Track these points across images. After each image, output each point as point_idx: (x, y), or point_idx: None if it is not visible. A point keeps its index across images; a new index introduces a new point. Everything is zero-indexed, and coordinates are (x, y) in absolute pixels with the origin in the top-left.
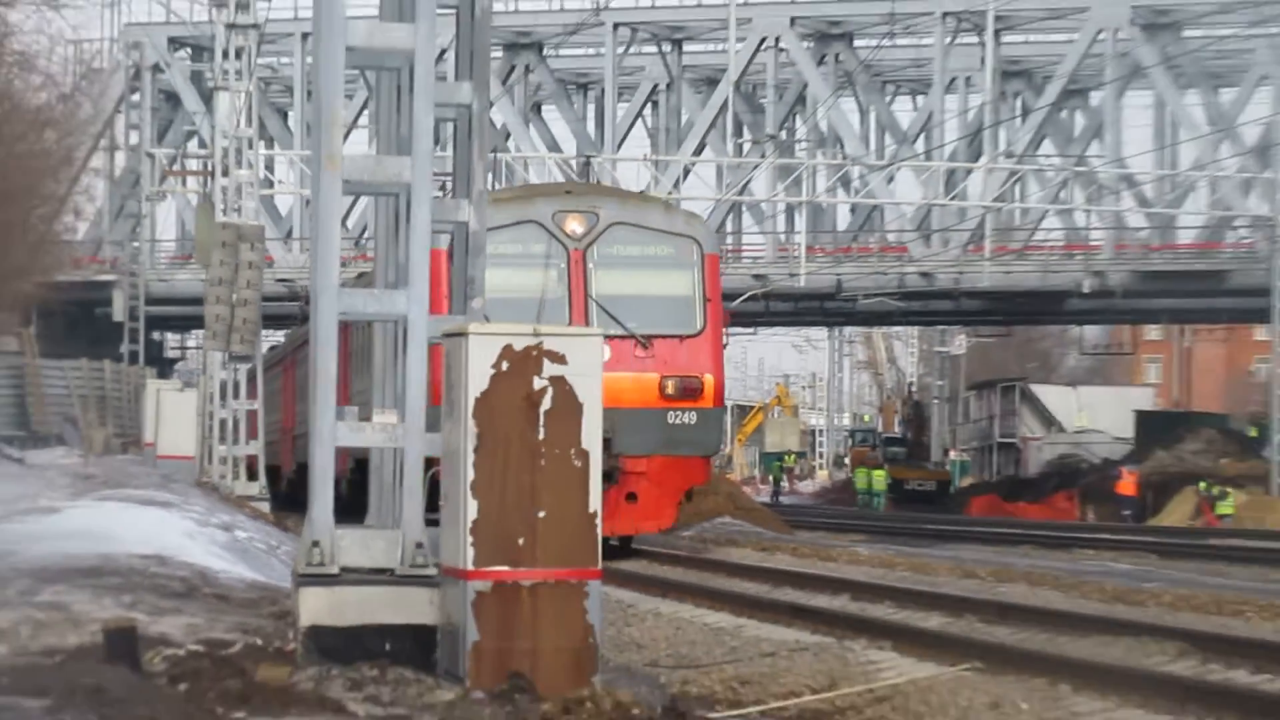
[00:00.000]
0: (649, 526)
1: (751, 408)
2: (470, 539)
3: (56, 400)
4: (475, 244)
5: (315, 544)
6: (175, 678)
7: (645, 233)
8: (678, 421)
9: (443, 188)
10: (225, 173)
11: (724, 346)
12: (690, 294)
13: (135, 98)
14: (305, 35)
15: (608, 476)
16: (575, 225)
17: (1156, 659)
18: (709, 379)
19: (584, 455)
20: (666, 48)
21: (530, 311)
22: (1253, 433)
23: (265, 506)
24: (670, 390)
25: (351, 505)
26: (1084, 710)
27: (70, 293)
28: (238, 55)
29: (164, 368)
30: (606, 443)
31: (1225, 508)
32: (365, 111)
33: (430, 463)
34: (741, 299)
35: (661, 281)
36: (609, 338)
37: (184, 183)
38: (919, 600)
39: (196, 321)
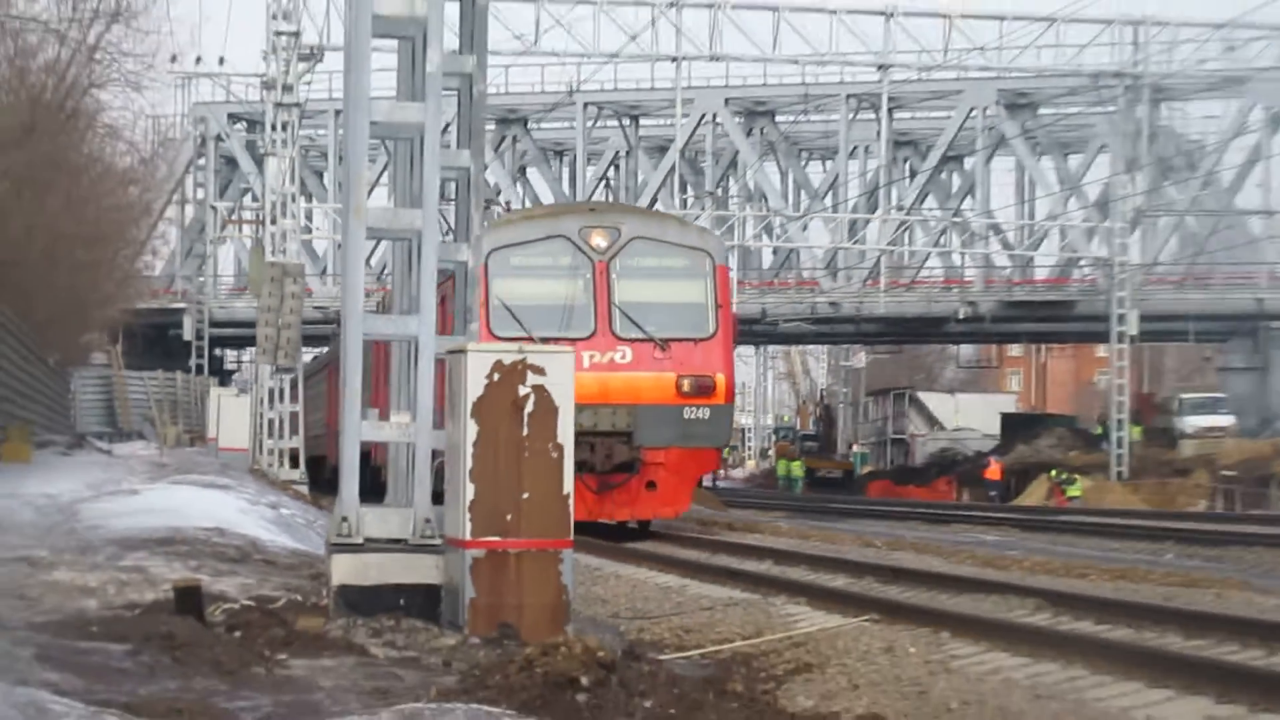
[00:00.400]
0: (667, 512)
1: None
2: (468, 515)
3: (137, 403)
4: (471, 279)
5: (344, 519)
6: (232, 626)
7: (662, 246)
8: (693, 416)
9: (447, 233)
10: (273, 221)
11: (733, 348)
12: (703, 301)
13: (201, 161)
14: (338, 112)
15: (629, 467)
16: (599, 239)
17: (1018, 612)
18: (720, 378)
19: (559, 448)
20: (626, 122)
21: (559, 317)
22: (1099, 431)
23: (305, 489)
24: (686, 388)
25: (375, 488)
26: (960, 653)
27: (148, 318)
28: (284, 128)
29: (224, 378)
30: (628, 436)
31: (1074, 491)
32: (385, 172)
33: (436, 454)
34: None
35: (677, 290)
36: (631, 341)
37: (240, 230)
38: (828, 565)
39: (250, 340)
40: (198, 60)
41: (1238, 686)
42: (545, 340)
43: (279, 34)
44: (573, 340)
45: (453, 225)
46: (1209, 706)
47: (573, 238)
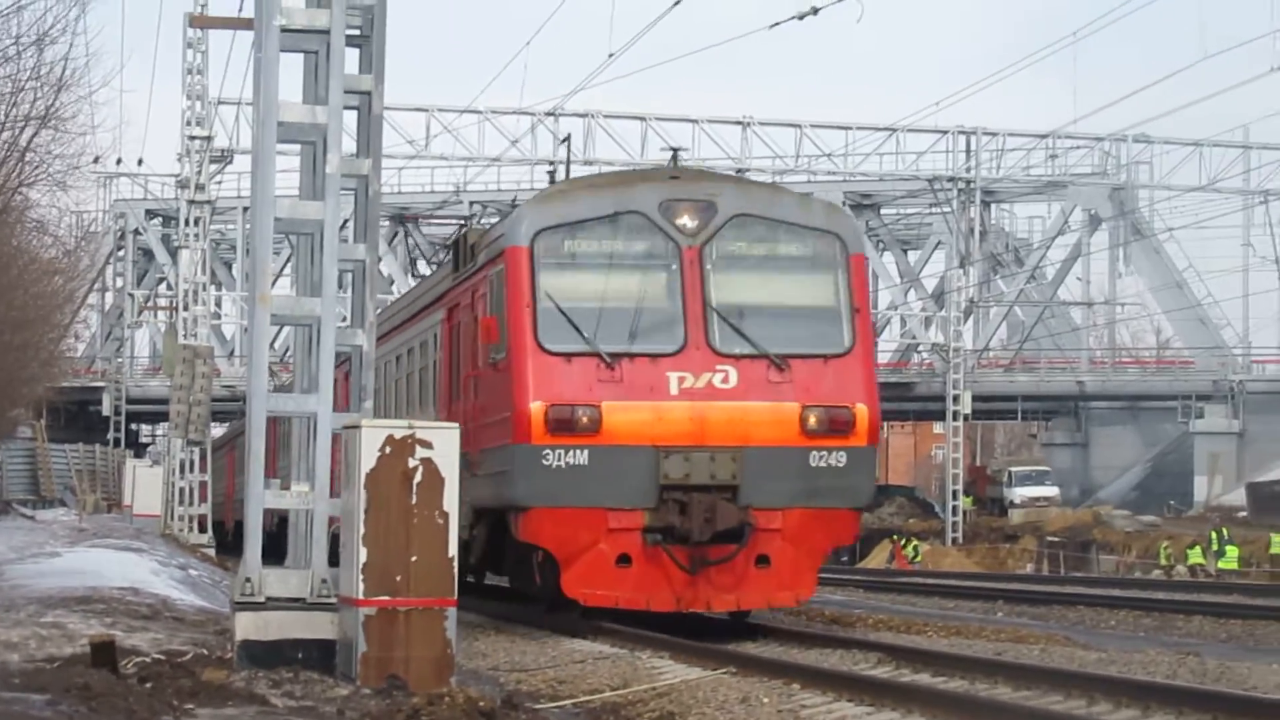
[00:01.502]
0: (784, 598)
1: None
2: (361, 576)
3: (59, 473)
4: (366, 360)
5: (247, 579)
6: (143, 678)
7: (775, 226)
8: (823, 464)
9: (344, 320)
10: (186, 308)
11: (875, 369)
12: (834, 303)
13: (121, 253)
14: (245, 209)
15: (736, 535)
16: (688, 218)
17: (862, 665)
18: (862, 410)
19: (445, 515)
20: None
21: (634, 324)
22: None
23: (212, 552)
24: (814, 424)
25: (274, 551)
26: (809, 703)
27: (71, 395)
28: (196, 223)
29: (139, 450)
30: (733, 491)
31: (914, 554)
32: (288, 264)
33: (332, 521)
34: None
35: (798, 288)
36: (735, 358)
37: (155, 315)
38: (690, 624)
39: (163, 416)
40: (118, 161)
41: None
42: (615, 357)
43: (193, 138)
44: (654, 356)
45: (349, 313)
46: None
47: (651, 214)
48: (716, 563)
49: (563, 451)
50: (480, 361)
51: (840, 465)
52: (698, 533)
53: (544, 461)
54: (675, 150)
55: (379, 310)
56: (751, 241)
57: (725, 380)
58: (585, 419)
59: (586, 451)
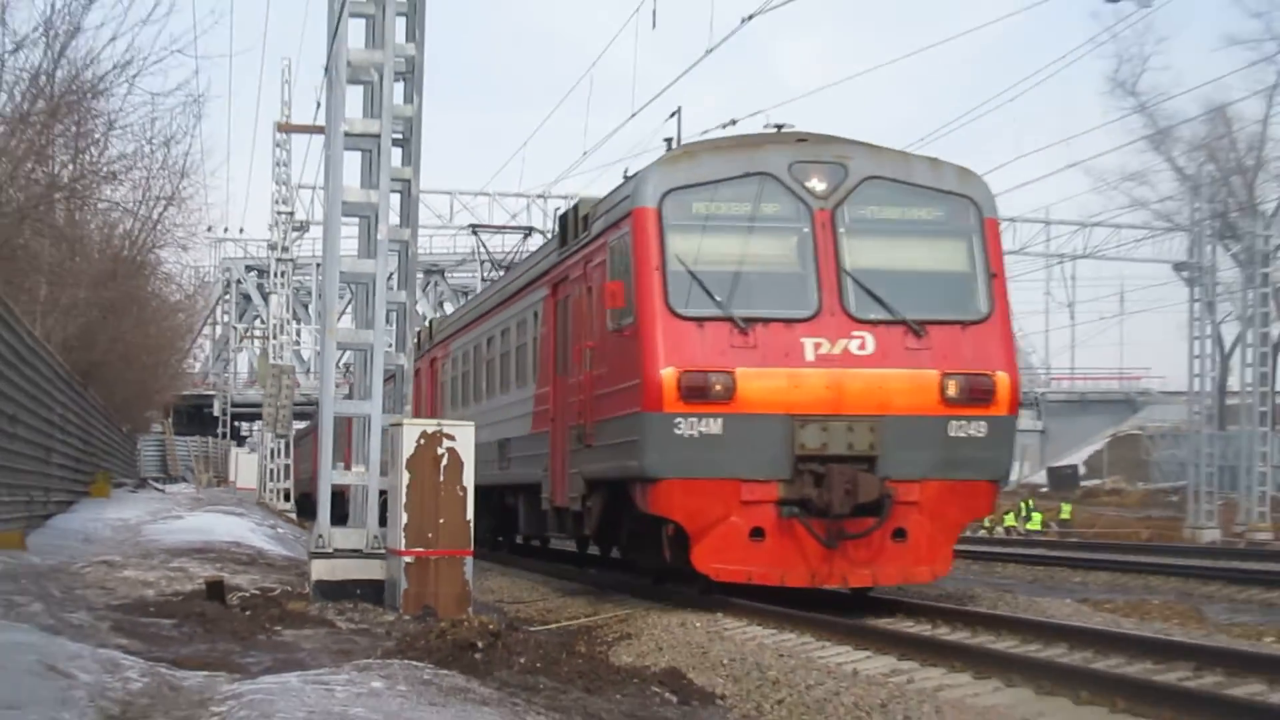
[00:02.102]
0: (921, 574)
1: None
2: (404, 534)
3: (182, 457)
4: (406, 375)
5: (320, 535)
6: (244, 608)
7: (908, 190)
8: (962, 434)
9: (390, 346)
10: (274, 337)
11: (1014, 337)
12: (969, 267)
13: (226, 297)
14: (318, 265)
15: (874, 509)
16: (819, 180)
17: (772, 602)
18: (1002, 378)
19: (464, 489)
20: None
21: (767, 288)
22: None
23: (294, 516)
24: (953, 393)
25: (339, 514)
26: (730, 626)
27: (190, 400)
28: (281, 275)
29: (240, 440)
30: (871, 461)
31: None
32: (350, 305)
33: (382, 493)
34: None
35: (933, 252)
36: (871, 324)
37: (252, 342)
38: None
39: (258, 416)
40: (225, 230)
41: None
42: (749, 322)
43: (279, 213)
44: (789, 321)
45: (394, 340)
46: (893, 662)
47: (781, 176)
48: (854, 536)
49: (695, 420)
50: (599, 330)
51: (980, 435)
52: (838, 505)
53: (675, 431)
54: (779, 126)
55: (461, 305)
56: (883, 205)
57: (862, 347)
58: (719, 386)
59: (720, 420)
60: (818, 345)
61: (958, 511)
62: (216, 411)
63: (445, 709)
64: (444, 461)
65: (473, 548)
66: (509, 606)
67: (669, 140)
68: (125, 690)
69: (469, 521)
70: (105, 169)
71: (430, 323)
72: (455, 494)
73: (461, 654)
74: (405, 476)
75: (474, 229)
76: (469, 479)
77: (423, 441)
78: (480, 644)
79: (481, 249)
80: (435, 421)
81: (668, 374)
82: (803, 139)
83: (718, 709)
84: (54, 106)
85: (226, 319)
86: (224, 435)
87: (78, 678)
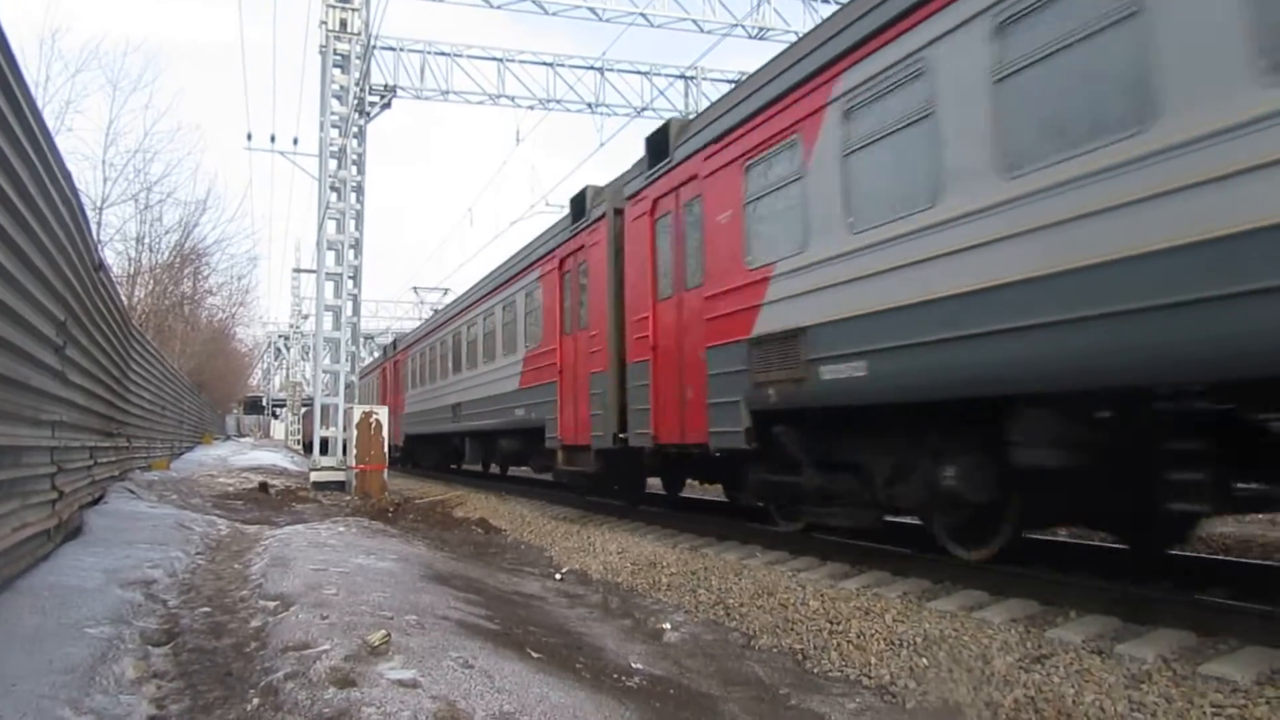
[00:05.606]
0: None
1: None
2: (354, 457)
3: (247, 425)
4: (352, 386)
5: (314, 460)
6: (277, 495)
7: None
8: None
9: (351, 371)
10: (290, 370)
11: None
12: None
13: (268, 349)
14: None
15: None
16: None
17: (562, 491)
18: None
19: (383, 439)
20: None
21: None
22: None
23: (302, 452)
24: None
25: (324, 450)
26: (517, 497)
27: (250, 397)
28: (296, 337)
29: (275, 416)
30: None
31: None
32: (329, 352)
33: (344, 441)
34: None
35: None
36: None
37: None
38: (479, 476)
39: (282, 405)
40: (265, 315)
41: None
42: None
43: (294, 316)
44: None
45: (354, 369)
46: (820, 564)
47: None
48: None
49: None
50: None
51: None
52: None
53: None
54: None
55: (413, 329)
56: None
57: None
58: None
59: None
60: None
61: None
62: (264, 403)
63: (374, 538)
64: (373, 425)
65: (387, 464)
66: (409, 493)
67: None
68: (218, 535)
69: (385, 453)
70: (208, 289)
71: (394, 340)
72: (379, 440)
73: (382, 514)
74: (355, 433)
75: (415, 289)
76: (385, 433)
77: (363, 415)
78: (391, 510)
79: (422, 303)
80: (369, 406)
81: None
82: None
83: (502, 534)
84: (185, 259)
85: (267, 363)
86: (269, 414)
87: (194, 529)
